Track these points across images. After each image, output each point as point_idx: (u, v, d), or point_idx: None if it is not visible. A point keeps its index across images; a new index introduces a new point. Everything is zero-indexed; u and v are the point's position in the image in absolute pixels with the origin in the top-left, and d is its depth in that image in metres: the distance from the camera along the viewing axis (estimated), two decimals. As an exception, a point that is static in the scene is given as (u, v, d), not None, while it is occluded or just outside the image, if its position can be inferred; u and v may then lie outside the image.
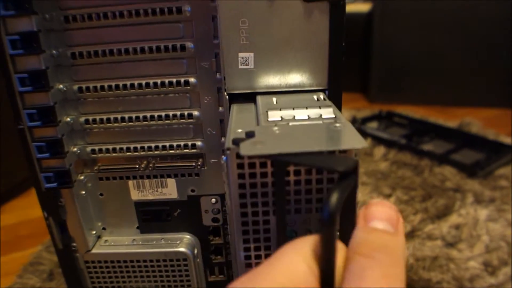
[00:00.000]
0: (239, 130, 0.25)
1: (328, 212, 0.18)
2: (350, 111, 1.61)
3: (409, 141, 1.26)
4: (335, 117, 0.26)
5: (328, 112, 0.26)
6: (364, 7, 1.87)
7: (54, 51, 0.32)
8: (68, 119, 0.34)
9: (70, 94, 0.33)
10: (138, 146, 0.34)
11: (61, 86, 0.33)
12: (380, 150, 1.21)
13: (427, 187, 1.00)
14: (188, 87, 0.32)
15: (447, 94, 1.75)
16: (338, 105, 0.30)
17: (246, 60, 0.30)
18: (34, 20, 0.29)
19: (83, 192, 0.36)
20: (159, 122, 0.34)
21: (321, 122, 0.25)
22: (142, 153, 0.34)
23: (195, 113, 0.33)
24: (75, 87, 0.33)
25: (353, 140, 0.22)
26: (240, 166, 0.23)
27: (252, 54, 0.30)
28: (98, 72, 0.33)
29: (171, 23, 0.31)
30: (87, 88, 0.33)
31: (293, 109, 0.27)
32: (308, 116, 0.26)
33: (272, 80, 0.30)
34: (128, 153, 0.35)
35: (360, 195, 0.95)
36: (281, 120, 0.26)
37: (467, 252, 0.77)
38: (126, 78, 0.32)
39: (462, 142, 1.28)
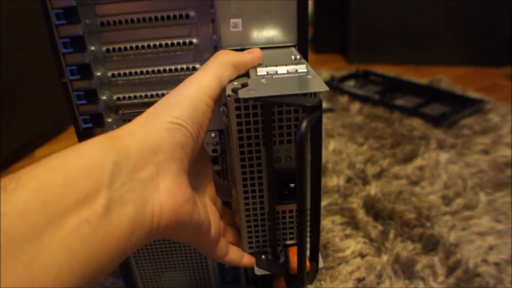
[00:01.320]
0: (236, 83, 0.33)
1: (300, 135, 0.26)
2: (329, 71, 1.70)
3: (383, 97, 1.36)
4: (307, 71, 0.33)
5: (302, 68, 0.34)
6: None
7: (87, 21, 0.41)
8: (99, 74, 0.43)
9: (100, 54, 0.43)
10: (154, 93, 0.44)
11: (93, 48, 0.42)
12: (355, 106, 1.32)
13: (397, 136, 1.11)
14: (192, 46, 0.42)
15: (420, 54, 1.84)
16: (305, 57, 0.40)
17: (236, 24, 0.40)
18: (79, 28, 0.39)
19: (111, 132, 0.46)
20: (170, 74, 0.44)
21: (296, 75, 0.33)
22: (156, 99, 0.45)
23: (197, 66, 0.43)
24: (104, 48, 0.43)
25: (318, 86, 0.30)
26: (238, 108, 0.31)
27: (240, 20, 0.40)
28: (121, 37, 0.42)
29: (178, -3, 0.40)
30: (113, 49, 0.43)
31: (276, 66, 0.34)
32: (287, 71, 0.33)
33: (255, 39, 0.40)
34: (145, 99, 0.45)
35: (337, 144, 1.07)
36: (267, 74, 0.33)
37: (428, 188, 0.89)
38: (144, 40, 0.42)
39: (432, 97, 1.38)
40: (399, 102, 1.35)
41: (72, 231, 0.21)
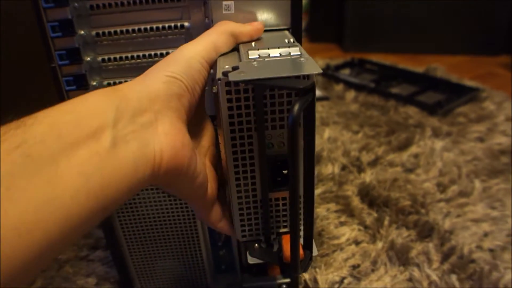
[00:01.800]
0: (226, 66, 0.31)
1: (292, 118, 0.25)
2: (324, 59, 1.70)
3: (378, 85, 1.36)
4: (301, 54, 0.32)
5: (295, 51, 0.32)
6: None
7: (76, 4, 0.40)
8: (88, 58, 0.42)
9: (89, 38, 0.42)
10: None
11: (82, 32, 0.41)
12: (351, 94, 1.31)
13: (392, 124, 1.11)
14: (183, 30, 0.42)
15: (416, 43, 1.83)
16: (299, 40, 0.39)
17: (228, 7, 0.39)
18: (68, 10, 0.38)
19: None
20: (161, 58, 0.43)
21: (289, 57, 0.31)
22: (148, 84, 0.44)
23: (189, 50, 0.42)
24: (93, 32, 0.42)
25: (311, 68, 0.29)
26: (229, 92, 0.30)
27: (232, 2, 0.39)
28: (111, 20, 0.41)
29: (168, -21, 0.39)
30: (103, 33, 0.42)
31: (268, 49, 0.33)
32: (279, 53, 0.32)
33: (248, 22, 0.39)
34: (137, 85, 0.44)
35: (332, 132, 1.06)
36: (259, 57, 0.32)
37: (423, 176, 0.89)
38: (134, 24, 0.41)
39: (427, 85, 1.38)
40: (395, 90, 1.35)
41: (84, 160, 0.24)
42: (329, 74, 1.48)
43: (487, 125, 1.11)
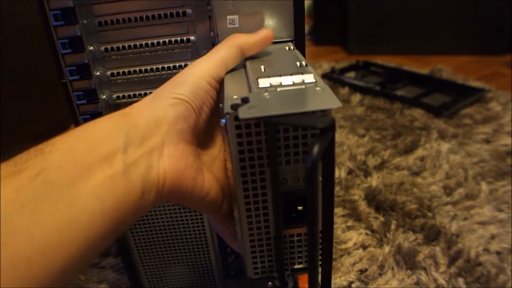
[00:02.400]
0: (235, 97, 0.28)
1: (311, 161, 0.23)
2: (329, 62, 1.70)
3: (384, 88, 1.36)
4: (316, 81, 0.30)
5: (309, 78, 0.30)
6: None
7: (85, 21, 0.41)
8: (98, 73, 0.44)
9: (98, 54, 0.43)
10: (153, 91, 0.45)
11: (91, 48, 0.42)
12: (356, 97, 1.32)
13: (397, 127, 1.11)
14: (189, 44, 0.43)
15: (421, 44, 1.83)
16: (302, 51, 0.40)
17: (233, 21, 0.40)
18: (77, 28, 0.39)
19: (112, 131, 0.46)
20: (168, 71, 0.44)
21: (303, 86, 0.29)
22: (156, 97, 0.45)
23: (196, 63, 0.43)
24: (102, 48, 0.43)
25: (330, 102, 0.26)
26: (238, 127, 0.27)
27: (237, 16, 0.40)
28: (119, 36, 0.43)
29: (174, -5, 0.41)
30: (112, 48, 0.43)
31: (280, 76, 0.31)
32: (293, 82, 0.30)
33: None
34: (145, 98, 0.45)
35: (338, 136, 1.07)
36: (270, 86, 0.29)
37: (430, 179, 0.90)
38: (142, 39, 0.42)
39: (433, 87, 1.38)
40: (400, 92, 1.35)
41: (100, 183, 0.25)
42: (334, 78, 1.48)
43: (493, 126, 1.11)
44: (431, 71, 1.56)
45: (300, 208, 0.31)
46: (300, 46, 0.41)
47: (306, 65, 0.34)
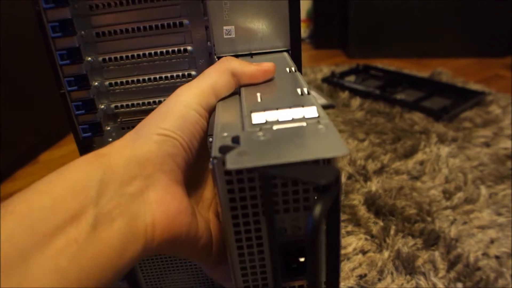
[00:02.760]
0: (225, 134, 0.25)
1: (312, 225, 0.20)
2: (330, 66, 1.71)
3: (383, 92, 1.36)
4: (318, 116, 0.26)
5: (311, 112, 0.26)
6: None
7: (82, 32, 0.42)
8: (96, 83, 0.44)
9: (96, 64, 0.44)
10: (151, 100, 0.45)
11: (89, 58, 0.43)
12: (356, 101, 1.32)
13: (397, 131, 1.12)
14: (187, 54, 0.43)
15: (421, 47, 1.84)
16: (298, 61, 0.40)
17: (229, 31, 0.40)
18: (68, 10, 0.40)
19: (110, 140, 0.47)
20: (166, 81, 0.44)
21: (304, 123, 0.25)
22: (154, 106, 0.45)
23: (193, 72, 0.44)
24: (100, 58, 0.43)
25: (335, 147, 0.22)
26: (228, 173, 0.24)
27: (233, 27, 0.40)
28: (117, 46, 0.43)
29: (171, 6, 0.41)
30: (109, 59, 0.43)
31: (277, 109, 0.27)
32: (292, 117, 0.26)
33: (248, 45, 0.41)
34: (143, 107, 0.45)
35: (337, 141, 1.07)
36: (266, 123, 0.26)
37: (429, 183, 0.90)
38: (139, 49, 0.43)
39: (433, 90, 1.38)
40: (400, 96, 1.35)
41: (60, 251, 0.21)
42: (335, 82, 1.49)
43: (493, 130, 1.11)
44: (431, 74, 1.56)
45: (301, 259, 0.27)
46: (296, 55, 0.41)
47: (308, 92, 0.30)
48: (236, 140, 0.24)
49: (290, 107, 0.27)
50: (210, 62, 0.43)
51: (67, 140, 1.36)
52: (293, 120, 0.26)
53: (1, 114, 1.10)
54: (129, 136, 0.29)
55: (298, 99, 0.29)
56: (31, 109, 1.22)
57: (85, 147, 0.46)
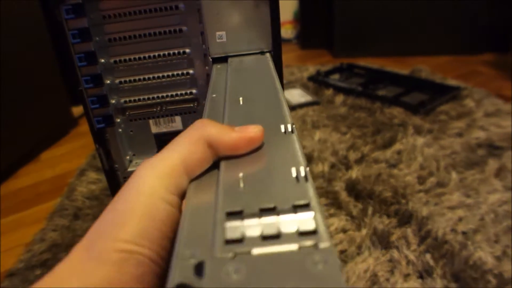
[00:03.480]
0: (188, 253, 0.19)
1: None
2: (315, 66, 1.79)
3: (366, 88, 1.45)
4: (316, 230, 0.19)
5: (307, 222, 0.20)
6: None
7: (97, 38, 0.49)
8: (108, 81, 0.52)
9: (108, 65, 0.51)
10: (155, 95, 0.53)
11: (103, 60, 0.50)
12: (340, 98, 1.41)
13: (377, 124, 1.20)
14: (185, 55, 0.51)
15: (403, 46, 1.93)
16: (278, 62, 0.48)
17: (221, 36, 0.48)
18: (86, 20, 0.47)
19: (120, 130, 0.54)
20: (168, 79, 0.52)
21: (295, 247, 0.19)
22: (158, 100, 0.53)
23: (190, 71, 0.52)
24: (112, 60, 0.51)
25: None
26: None
27: (224, 32, 0.48)
28: (126, 50, 0.51)
29: (172, 15, 0.49)
30: (119, 61, 0.51)
31: (260, 216, 0.20)
32: (280, 232, 0.19)
33: (237, 47, 0.49)
34: (148, 101, 0.53)
35: (322, 134, 1.15)
36: (243, 242, 0.19)
37: (405, 170, 0.98)
38: (145, 52, 0.51)
39: (412, 87, 1.47)
40: (381, 92, 1.44)
41: None
42: (320, 80, 1.57)
43: (467, 121, 1.20)
44: (411, 71, 1.65)
45: None
46: (277, 55, 0.49)
47: (305, 175, 0.23)
48: (199, 270, 0.18)
49: (278, 214, 0.20)
50: (205, 62, 0.51)
51: (68, 139, 1.43)
52: (281, 239, 0.19)
53: (2, 113, 1.16)
54: (77, 254, 0.21)
55: (292, 190, 0.22)
56: (31, 108, 1.28)
57: (99, 137, 0.53)
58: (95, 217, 0.94)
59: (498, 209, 0.83)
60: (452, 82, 1.52)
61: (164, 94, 0.53)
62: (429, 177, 0.94)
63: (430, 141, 1.10)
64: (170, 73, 0.52)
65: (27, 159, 1.31)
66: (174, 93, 0.53)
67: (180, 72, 0.52)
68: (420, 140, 1.10)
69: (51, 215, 0.97)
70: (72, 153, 1.33)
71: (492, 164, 0.97)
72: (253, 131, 0.25)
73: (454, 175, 0.94)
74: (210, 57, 0.50)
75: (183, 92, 0.53)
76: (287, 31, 2.34)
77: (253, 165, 0.25)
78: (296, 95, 1.44)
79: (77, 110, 1.48)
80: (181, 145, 0.24)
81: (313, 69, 1.72)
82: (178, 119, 0.55)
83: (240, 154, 0.25)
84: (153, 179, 0.23)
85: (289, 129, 0.28)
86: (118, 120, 0.54)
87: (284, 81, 1.57)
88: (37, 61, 1.26)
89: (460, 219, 0.81)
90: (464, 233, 0.78)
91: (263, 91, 0.35)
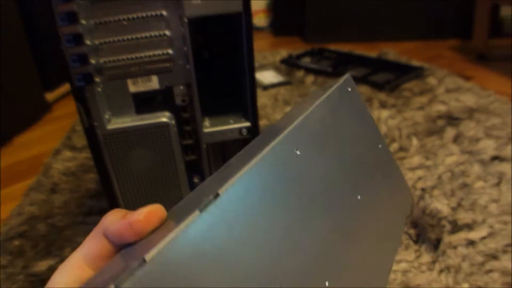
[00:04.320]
0: None
1: None
2: (288, 50, 1.84)
3: (335, 69, 1.51)
4: None
5: None
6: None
7: (84, 21, 0.53)
8: (88, 42, 0.55)
9: (89, 26, 0.55)
10: (133, 56, 0.57)
11: (84, 22, 0.54)
12: (310, 78, 1.47)
13: (345, 100, 1.26)
14: (162, 17, 0.55)
15: (373, 31, 2.01)
16: (249, 23, 0.53)
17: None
18: (74, 5, 0.51)
19: (99, 89, 0.58)
20: (145, 40, 0.56)
21: None
22: (136, 61, 0.57)
23: (167, 32, 0.56)
24: (92, 22, 0.55)
25: None
26: None
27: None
28: (106, 11, 0.55)
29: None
30: (100, 22, 0.55)
31: None
32: None
33: (210, 8, 0.53)
34: (127, 61, 0.57)
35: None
36: None
37: (371, 140, 1.04)
38: (124, 14, 0.55)
39: (379, 67, 1.54)
40: (350, 73, 1.49)
41: None
42: (291, 63, 1.63)
43: (429, 97, 1.28)
44: (379, 54, 1.72)
45: None
46: (247, 17, 0.54)
47: None
48: None
49: None
50: (181, 24, 0.55)
51: (41, 123, 1.43)
52: None
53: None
54: None
55: None
56: (2, 94, 1.28)
57: (79, 95, 0.57)
58: (72, 190, 0.97)
59: (455, 169, 0.90)
60: (417, 64, 1.59)
61: (142, 55, 0.57)
62: (392, 143, 1.01)
63: (394, 114, 1.17)
64: (147, 34, 0.56)
65: (0, 144, 1.31)
66: (151, 54, 0.57)
67: (157, 33, 0.56)
68: (384, 113, 1.17)
69: (27, 192, 0.99)
70: (47, 136, 1.34)
71: (450, 132, 1.05)
72: (151, 214, 0.23)
73: (415, 141, 1.01)
74: (186, 19, 0.54)
75: (160, 52, 0.57)
76: (260, 20, 2.39)
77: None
78: (269, 76, 1.49)
79: (51, 95, 1.49)
80: (85, 241, 0.24)
81: (285, 54, 1.77)
82: (154, 78, 0.59)
83: (138, 240, 0.23)
84: (60, 277, 0.23)
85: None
86: (98, 79, 0.58)
87: (257, 64, 1.63)
88: (8, 46, 1.27)
89: (420, 178, 0.88)
90: (423, 189, 0.84)
91: None
